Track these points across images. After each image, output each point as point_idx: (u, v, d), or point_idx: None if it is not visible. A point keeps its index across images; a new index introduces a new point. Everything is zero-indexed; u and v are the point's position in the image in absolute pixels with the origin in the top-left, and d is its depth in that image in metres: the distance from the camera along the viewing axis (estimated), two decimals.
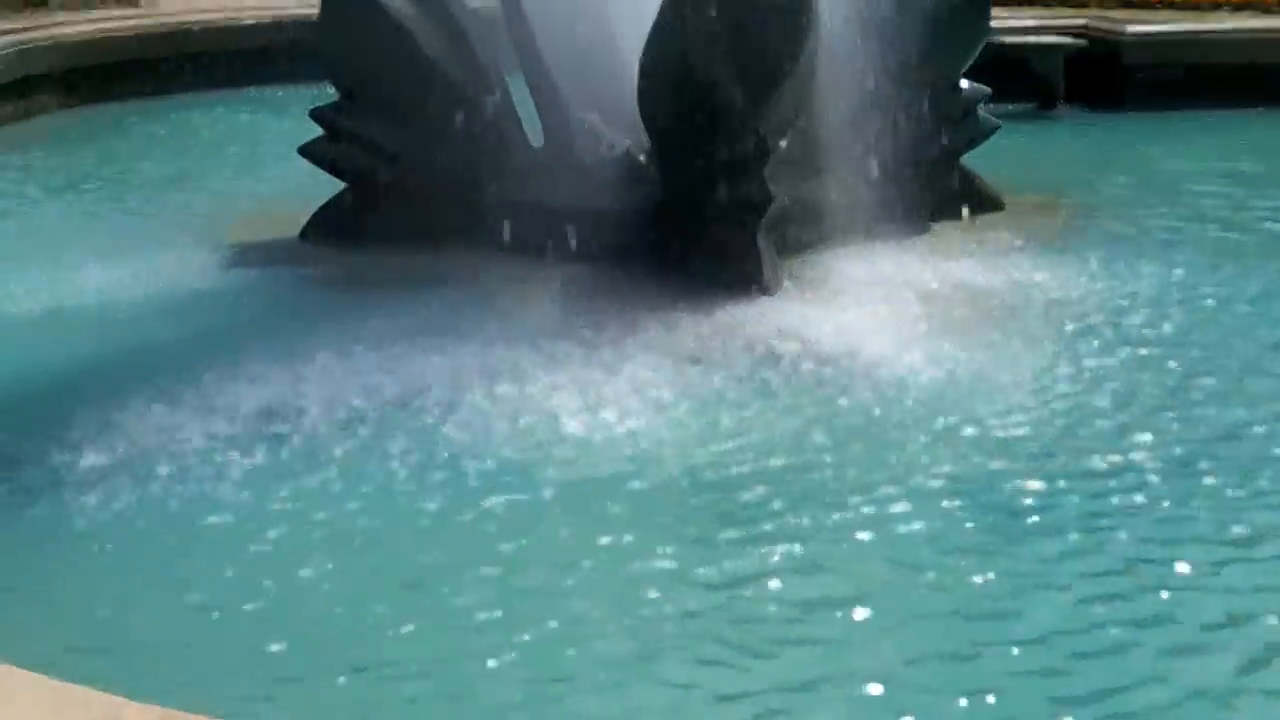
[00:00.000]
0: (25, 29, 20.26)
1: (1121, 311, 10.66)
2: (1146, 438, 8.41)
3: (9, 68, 18.32)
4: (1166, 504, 7.65)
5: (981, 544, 7.26)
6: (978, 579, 6.84)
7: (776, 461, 8.18)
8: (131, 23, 21.62)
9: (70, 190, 15.38)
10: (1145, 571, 6.92)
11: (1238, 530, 7.37)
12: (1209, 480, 7.91)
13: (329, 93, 12.45)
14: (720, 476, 8.01)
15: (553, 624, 6.49)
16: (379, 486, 7.89)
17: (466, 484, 7.90)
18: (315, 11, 12.31)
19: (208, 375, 9.17)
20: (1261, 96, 18.47)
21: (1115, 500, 7.69)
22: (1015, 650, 6.21)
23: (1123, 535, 7.30)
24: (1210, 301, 11.01)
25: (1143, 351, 9.85)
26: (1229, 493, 7.80)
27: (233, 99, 20.30)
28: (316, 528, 7.45)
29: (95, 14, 22.22)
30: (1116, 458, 8.16)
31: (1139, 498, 7.71)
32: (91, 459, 8.13)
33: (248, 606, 6.65)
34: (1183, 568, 6.92)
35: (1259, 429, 8.67)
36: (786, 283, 10.98)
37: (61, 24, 20.96)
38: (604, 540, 7.28)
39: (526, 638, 6.35)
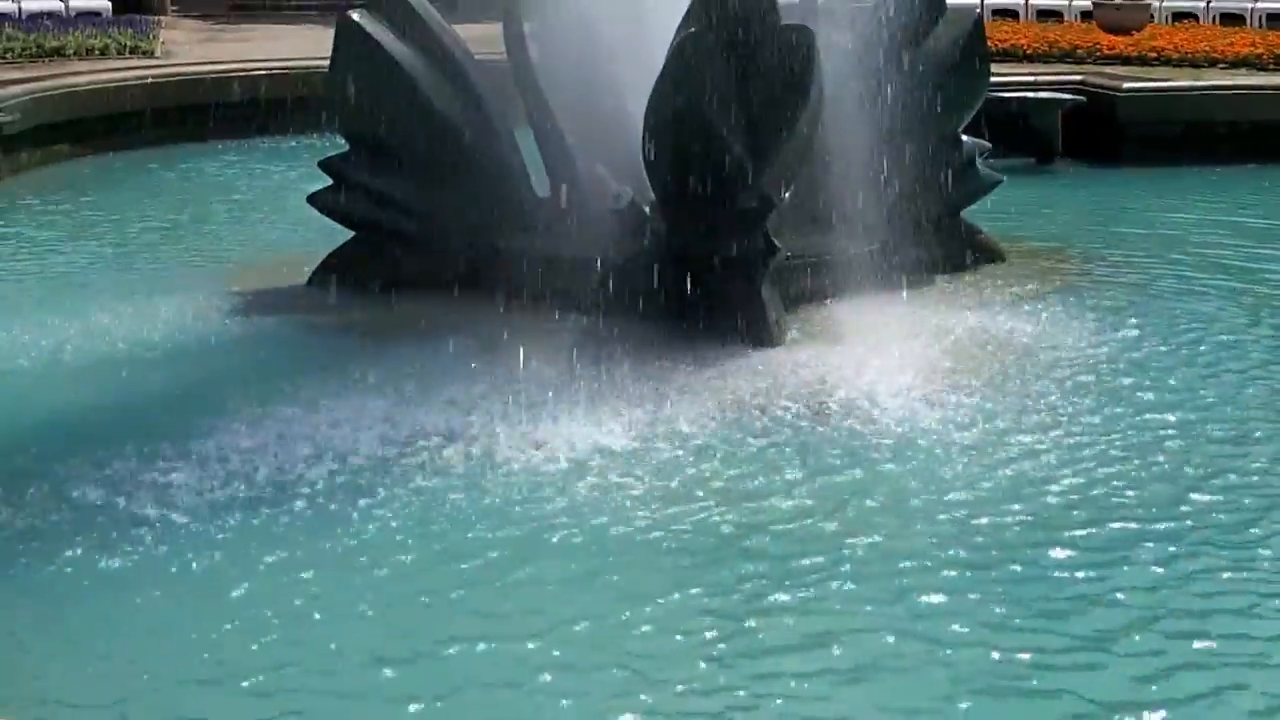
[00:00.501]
0: (41, 78, 20.44)
1: (1130, 363, 10.79)
2: (1169, 494, 8.52)
3: (24, 115, 18.45)
4: (1197, 568, 7.68)
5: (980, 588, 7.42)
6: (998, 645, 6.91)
7: (776, 513, 8.28)
8: (145, 72, 21.81)
9: (83, 236, 15.52)
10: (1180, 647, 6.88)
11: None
12: (1237, 537, 8.03)
13: (338, 143, 12.60)
14: (720, 526, 8.11)
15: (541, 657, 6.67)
16: (385, 526, 8.05)
17: (463, 532, 8.03)
18: (326, 62, 12.43)
19: (208, 422, 9.31)
20: (1257, 152, 18.70)
21: (1140, 562, 7.74)
22: None
23: (1150, 601, 7.32)
24: (1204, 350, 11.19)
25: (1158, 404, 9.97)
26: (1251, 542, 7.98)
27: (244, 148, 20.49)
28: (319, 570, 7.60)
29: (110, 63, 22.40)
30: (1136, 517, 8.25)
31: (1166, 560, 7.77)
32: (90, 501, 8.29)
33: (242, 657, 6.75)
34: (1214, 643, 6.89)
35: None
36: (790, 333, 11.14)
37: (77, 73, 21.15)
38: (603, 588, 7.42)
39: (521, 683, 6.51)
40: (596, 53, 12.42)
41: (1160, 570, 7.62)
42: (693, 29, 10.45)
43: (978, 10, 14.01)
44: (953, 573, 7.57)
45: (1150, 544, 7.90)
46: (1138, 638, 6.93)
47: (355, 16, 12.04)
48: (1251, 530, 8.10)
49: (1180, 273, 13.50)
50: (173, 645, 6.86)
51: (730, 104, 10.58)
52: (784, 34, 10.56)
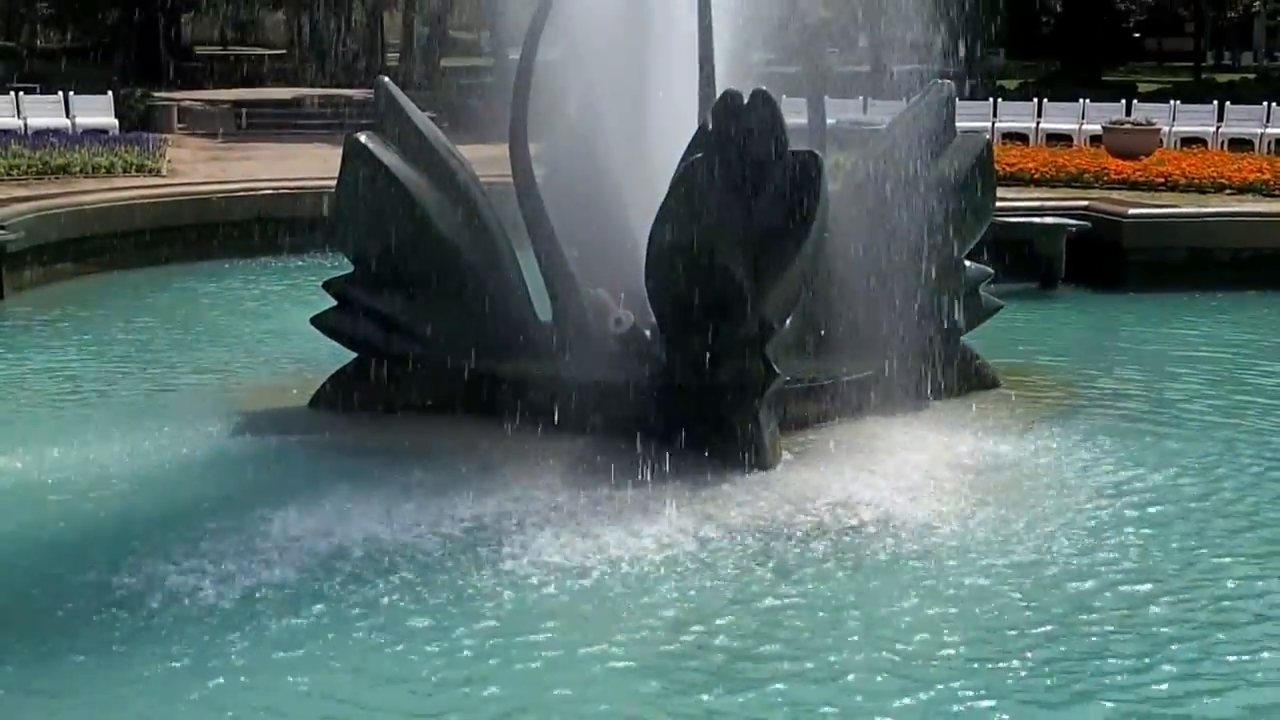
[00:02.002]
0: (46, 196, 20.53)
1: (1120, 487, 10.82)
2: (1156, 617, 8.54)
3: (29, 234, 18.47)
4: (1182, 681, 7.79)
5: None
6: None
7: (765, 630, 8.35)
8: (152, 191, 21.88)
9: (86, 355, 15.49)
10: None
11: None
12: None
13: (343, 263, 12.60)
14: (709, 645, 8.15)
15: None
16: (380, 643, 8.13)
17: (453, 651, 8.07)
18: (332, 183, 12.45)
19: (214, 541, 9.40)
20: (1258, 279, 18.75)
21: (1128, 679, 7.78)
22: None
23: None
24: (1197, 476, 11.21)
25: (1145, 527, 10.01)
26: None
27: (249, 267, 20.52)
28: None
29: (118, 182, 22.51)
30: (1120, 636, 8.27)
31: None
32: (105, 616, 8.39)
33: None
34: None
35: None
36: (787, 455, 11.11)
37: (82, 191, 21.21)
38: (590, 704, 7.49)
39: None
40: (602, 176, 12.49)
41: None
42: (699, 154, 10.47)
43: (987, 136, 14.03)
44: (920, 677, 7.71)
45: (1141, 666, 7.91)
46: None
47: (362, 139, 12.07)
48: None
49: (1171, 400, 13.56)
50: None
51: (733, 230, 10.57)
52: (791, 160, 10.57)
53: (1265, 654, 8.14)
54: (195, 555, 9.18)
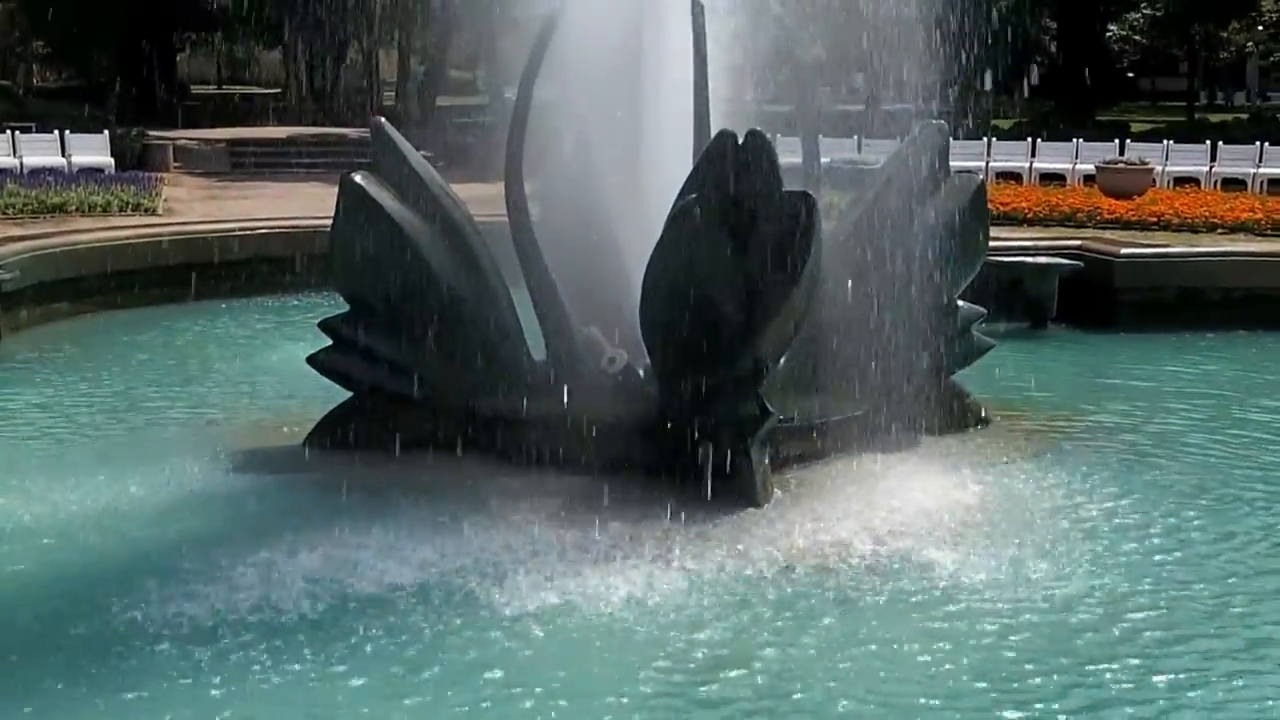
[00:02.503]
0: (42, 235, 20.54)
1: (1104, 523, 10.88)
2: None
3: (25, 273, 18.48)
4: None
5: None
6: None
7: (759, 672, 8.33)
8: (147, 230, 21.90)
9: (82, 394, 15.50)
10: None
11: None
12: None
13: (339, 303, 12.63)
14: (701, 688, 8.16)
15: None
16: (385, 673, 8.20)
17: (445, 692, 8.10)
18: (327, 222, 12.46)
19: (203, 580, 9.45)
20: (1248, 319, 18.83)
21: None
22: None
23: None
24: (1194, 510, 11.26)
25: (1143, 561, 10.08)
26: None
27: (244, 306, 20.56)
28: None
29: (113, 221, 22.52)
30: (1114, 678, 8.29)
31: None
32: (92, 654, 8.42)
33: None
34: None
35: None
36: (778, 494, 11.12)
37: (78, 230, 21.24)
38: None
39: None
40: (596, 215, 12.51)
41: None
42: (693, 194, 10.50)
43: (980, 177, 14.06)
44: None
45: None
46: None
47: (357, 178, 12.08)
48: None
49: (1163, 437, 13.59)
50: None
51: (727, 270, 10.58)
52: (784, 200, 10.59)
53: None
54: (185, 595, 9.20)
